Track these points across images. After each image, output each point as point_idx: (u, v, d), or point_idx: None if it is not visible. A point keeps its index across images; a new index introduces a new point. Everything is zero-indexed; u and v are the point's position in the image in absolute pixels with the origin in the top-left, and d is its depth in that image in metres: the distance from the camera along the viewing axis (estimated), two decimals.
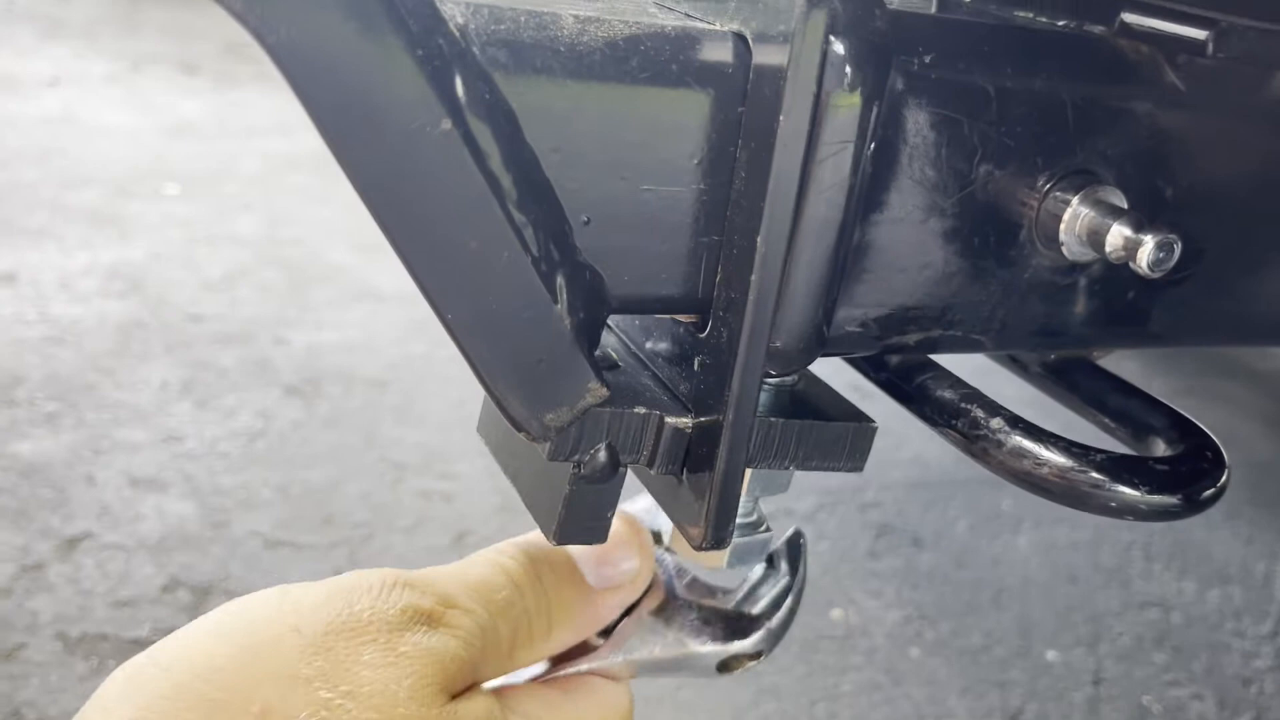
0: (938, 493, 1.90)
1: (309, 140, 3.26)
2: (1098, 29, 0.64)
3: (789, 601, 0.75)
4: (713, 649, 0.73)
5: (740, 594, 0.77)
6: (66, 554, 1.41)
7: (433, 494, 1.66)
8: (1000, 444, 0.61)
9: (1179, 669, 1.57)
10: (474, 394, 1.79)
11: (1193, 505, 0.58)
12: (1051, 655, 1.55)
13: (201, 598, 1.37)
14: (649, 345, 0.69)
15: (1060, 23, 0.66)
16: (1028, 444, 0.60)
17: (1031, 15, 0.67)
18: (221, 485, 1.60)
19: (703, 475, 0.62)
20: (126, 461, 1.62)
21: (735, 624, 0.73)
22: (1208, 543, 1.88)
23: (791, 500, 1.77)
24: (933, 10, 0.77)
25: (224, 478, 1.62)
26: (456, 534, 1.58)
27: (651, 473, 0.64)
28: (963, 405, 0.64)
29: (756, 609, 0.74)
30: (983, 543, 1.80)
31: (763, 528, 0.75)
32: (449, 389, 1.95)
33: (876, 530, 1.77)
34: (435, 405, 1.90)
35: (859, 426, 0.68)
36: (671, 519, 0.65)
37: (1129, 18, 0.63)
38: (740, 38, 0.56)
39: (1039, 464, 0.59)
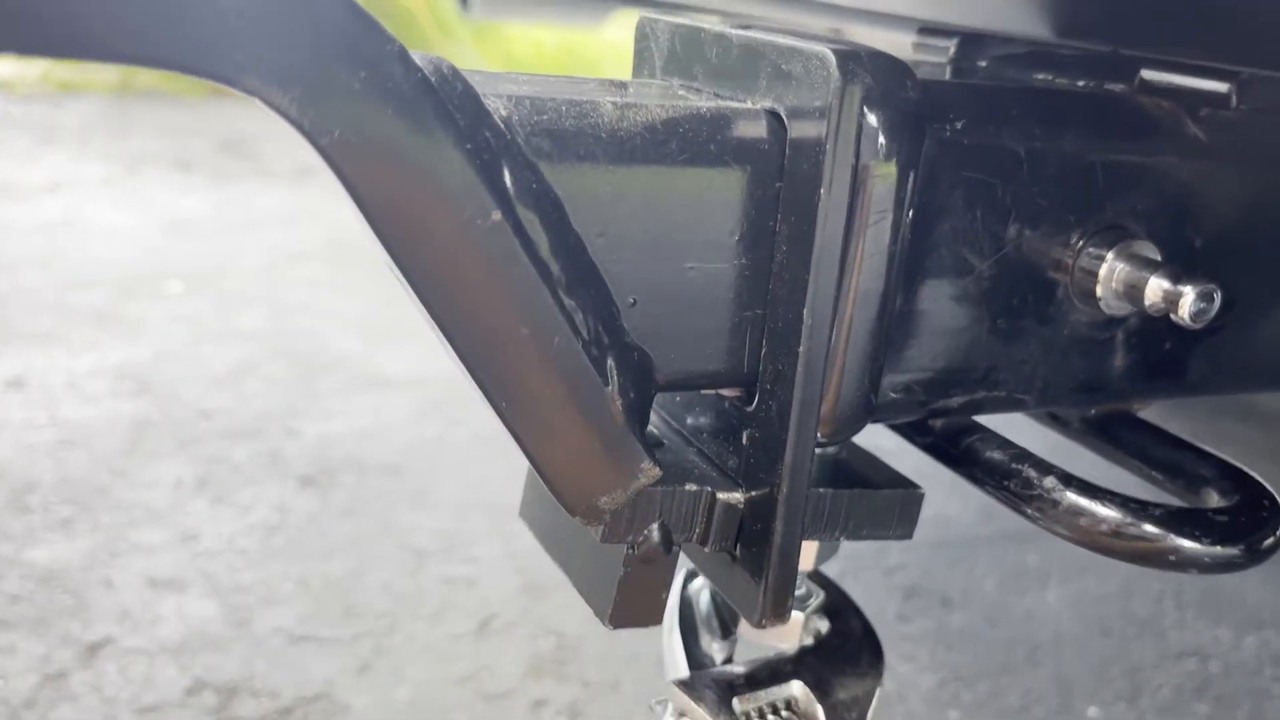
0: (962, 551, 1.88)
1: (308, 232, 3.30)
2: (1118, 87, 0.65)
3: None
4: None
5: None
6: (88, 660, 1.39)
7: (455, 580, 1.65)
8: (1056, 503, 0.60)
9: (1223, 719, 1.54)
10: (489, 475, 1.78)
11: (1256, 555, 0.58)
12: (1093, 712, 1.53)
13: (228, 698, 1.35)
14: (690, 421, 0.69)
15: (1080, 83, 0.67)
16: (1084, 502, 0.60)
17: (1051, 77, 0.68)
18: (241, 582, 1.58)
19: (757, 550, 0.61)
20: (144, 563, 1.60)
21: None
22: (1239, 589, 1.86)
23: None
24: (947, 76, 0.78)
25: (243, 574, 1.60)
26: (481, 620, 1.56)
27: (705, 550, 0.64)
28: (1013, 466, 0.63)
29: None
30: (1012, 599, 1.78)
31: (814, 598, 0.74)
32: (464, 472, 1.94)
33: (904, 592, 1.75)
34: (451, 489, 1.89)
35: (907, 493, 0.68)
36: (727, 597, 0.64)
37: (1149, 75, 0.64)
38: (774, 114, 0.57)
39: (1097, 521, 0.59)
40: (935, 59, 0.79)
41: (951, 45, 0.76)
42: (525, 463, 0.56)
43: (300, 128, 0.44)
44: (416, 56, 0.48)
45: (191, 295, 2.68)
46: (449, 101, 0.48)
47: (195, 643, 1.44)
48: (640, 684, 1.47)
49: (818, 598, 0.73)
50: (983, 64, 0.74)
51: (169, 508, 1.75)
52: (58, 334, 2.36)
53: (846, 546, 1.82)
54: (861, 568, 1.79)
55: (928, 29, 0.79)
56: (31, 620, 1.46)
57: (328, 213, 3.47)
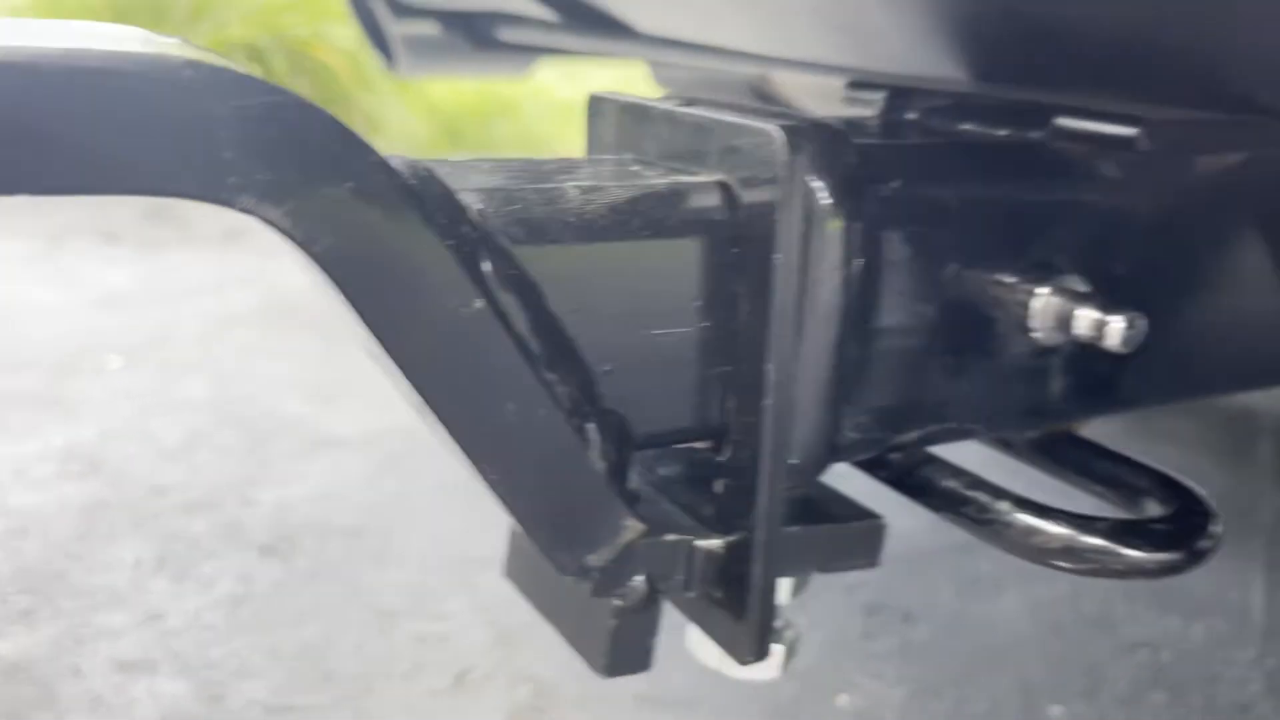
0: (918, 564, 1.93)
1: (242, 297, 3.29)
2: (1035, 134, 0.70)
3: None
4: None
5: None
6: None
7: (427, 636, 1.66)
8: (1009, 524, 0.65)
9: (1179, 706, 1.61)
10: (451, 528, 1.80)
11: (1194, 558, 0.63)
12: (1056, 711, 1.58)
13: None
14: (662, 471, 0.72)
15: (1001, 132, 0.72)
16: (1035, 522, 0.64)
17: (974, 126, 0.74)
18: (212, 658, 1.58)
19: (737, 591, 0.65)
20: (111, 647, 1.59)
21: None
22: (1183, 578, 1.93)
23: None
24: (878, 127, 0.84)
25: (213, 649, 1.59)
26: (456, 674, 1.57)
27: (688, 596, 0.67)
28: (968, 493, 0.68)
29: None
30: (971, 607, 1.83)
31: (790, 629, 0.77)
32: (425, 527, 1.95)
33: (866, 610, 1.80)
34: (415, 545, 1.90)
35: (871, 524, 0.72)
36: (713, 639, 0.68)
37: (1062, 122, 0.69)
38: (725, 186, 0.61)
39: (1049, 539, 0.64)
40: (866, 111, 0.84)
41: (880, 98, 0.81)
42: (489, 511, 0.59)
43: (293, 238, 0.48)
44: (395, 161, 0.51)
45: (131, 369, 2.66)
46: (428, 202, 0.51)
47: None
48: (618, 717, 1.49)
49: (794, 629, 0.77)
50: (911, 116, 0.79)
51: (130, 588, 1.74)
52: None
53: None
54: (824, 588, 1.83)
55: (857, 83, 0.84)
56: (2, 717, 1.44)
57: (260, 277, 3.45)
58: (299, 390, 2.55)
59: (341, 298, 0.50)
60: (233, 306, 3.15)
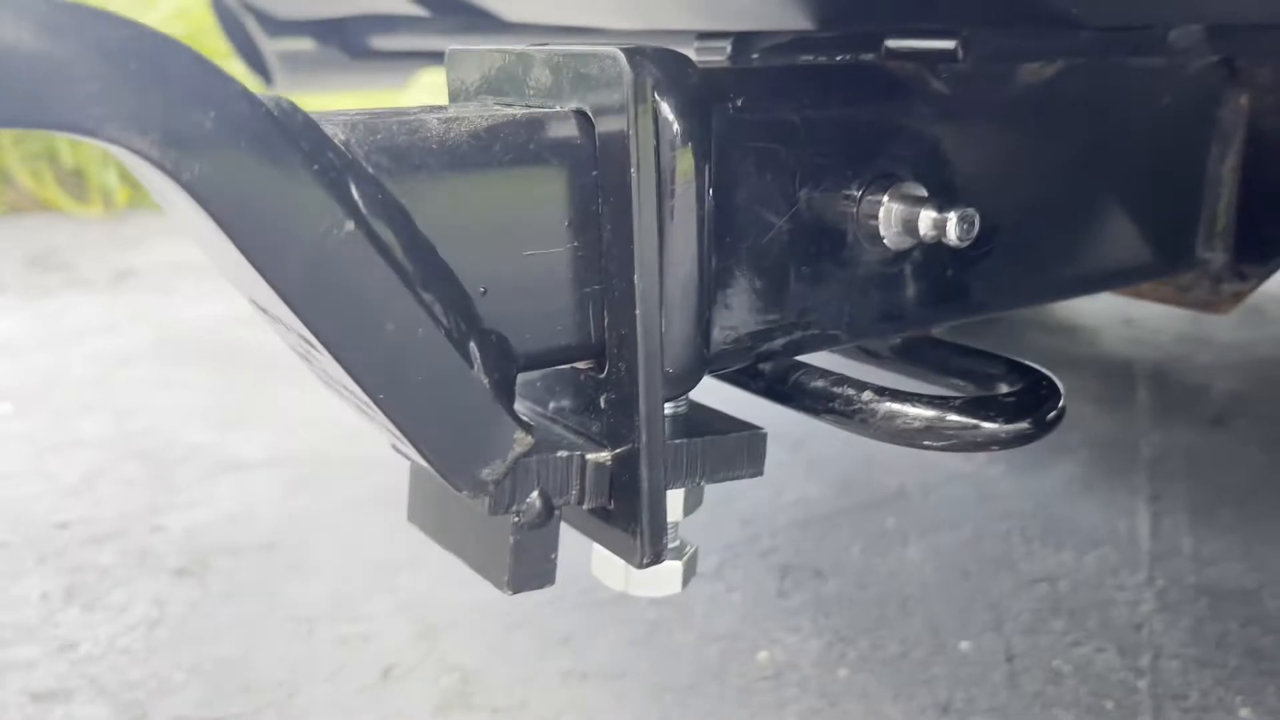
0: (826, 525, 2.00)
1: (134, 335, 3.23)
2: (869, 56, 0.76)
3: None
4: None
5: None
6: None
7: (349, 638, 1.66)
8: (874, 412, 0.70)
9: (1077, 630, 1.69)
10: (365, 536, 1.83)
11: (1042, 427, 0.68)
12: (964, 645, 1.65)
13: None
14: (553, 404, 0.76)
15: (838, 58, 0.77)
16: (896, 406, 0.69)
17: (813, 58, 0.79)
18: (130, 679, 1.55)
19: (629, 501, 0.68)
20: (23, 679, 1.56)
21: None
22: (1074, 515, 2.03)
23: None
24: (726, 64, 0.88)
25: (130, 672, 1.57)
26: (382, 670, 1.58)
27: (583, 509, 0.71)
28: (834, 389, 0.73)
29: None
30: (877, 561, 1.90)
31: (688, 547, 0.81)
32: (339, 537, 1.95)
33: (780, 572, 1.85)
34: (329, 555, 1.90)
35: (752, 434, 0.76)
36: (610, 550, 0.71)
37: (892, 43, 0.75)
38: (581, 113, 0.65)
39: (910, 420, 0.69)
40: (714, 58, 0.89)
41: (727, 45, 0.86)
42: (399, 513, 0.61)
43: (163, 168, 0.50)
44: (259, 97, 0.54)
45: (24, 414, 2.59)
46: (293, 131, 0.54)
47: None
48: (547, 696, 1.51)
49: (692, 548, 0.81)
50: (754, 56, 0.84)
51: (39, 621, 1.70)
52: None
53: (719, 538, 1.91)
54: (737, 555, 1.88)
55: (705, 35, 0.88)
56: None
57: (151, 315, 3.40)
58: (199, 420, 2.52)
59: (217, 230, 0.53)
60: (125, 345, 3.09)
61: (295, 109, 0.55)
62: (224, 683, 1.55)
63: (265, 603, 1.76)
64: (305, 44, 2.14)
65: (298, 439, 2.35)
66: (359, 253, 0.55)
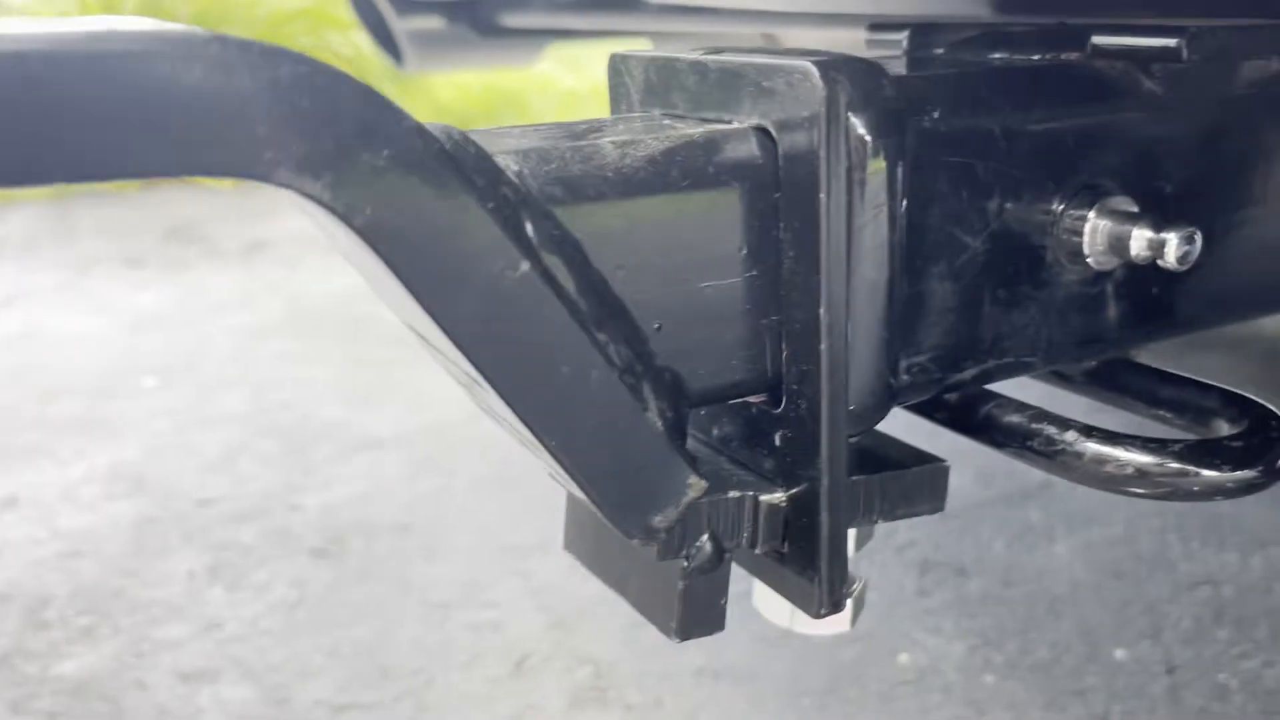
0: (967, 519, 1.92)
1: (269, 308, 3.30)
2: (1073, 55, 0.69)
3: None
4: None
5: None
6: None
7: (481, 626, 1.66)
8: (1080, 454, 0.63)
9: (1244, 641, 1.58)
10: (494, 519, 1.81)
11: (1273, 474, 0.61)
12: (1120, 654, 1.56)
13: None
14: (716, 431, 0.71)
15: (1035, 57, 0.70)
16: (1106, 449, 0.63)
17: (1007, 55, 0.72)
18: (273, 661, 1.58)
19: (806, 545, 0.64)
20: (172, 659, 1.60)
21: None
22: (1236, 513, 1.91)
23: None
24: (903, 64, 0.82)
25: (273, 653, 1.60)
26: (515, 661, 1.57)
27: (755, 553, 0.66)
28: (1033, 426, 0.66)
29: None
30: (1023, 558, 1.81)
31: (857, 582, 0.76)
32: (469, 520, 1.96)
33: (919, 568, 1.79)
34: (461, 538, 1.90)
35: (934, 468, 0.71)
36: (783, 595, 0.67)
37: (1099, 40, 0.67)
38: (763, 130, 0.60)
39: (1122, 466, 0.62)
40: (890, 52, 0.82)
41: (903, 38, 0.79)
42: (530, 500, 0.57)
43: (334, 211, 0.47)
44: (430, 127, 0.50)
45: (167, 388, 2.67)
46: (466, 165, 0.50)
47: None
48: (681, 696, 1.49)
49: (860, 582, 0.76)
50: (938, 51, 0.77)
51: (187, 600, 1.75)
52: (43, 446, 2.34)
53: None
54: (873, 549, 1.82)
55: (878, 24, 0.82)
56: None
57: (285, 287, 3.47)
58: (332, 396, 2.55)
59: (386, 271, 0.49)
60: (260, 319, 3.16)
61: (467, 140, 0.52)
62: (362, 667, 1.57)
63: (399, 586, 1.77)
64: (435, 22, 2.13)
65: (423, 417, 2.36)
66: (533, 293, 0.52)
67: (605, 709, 1.47)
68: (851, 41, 1.01)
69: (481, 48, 2.18)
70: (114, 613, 1.72)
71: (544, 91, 6.23)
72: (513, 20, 2.01)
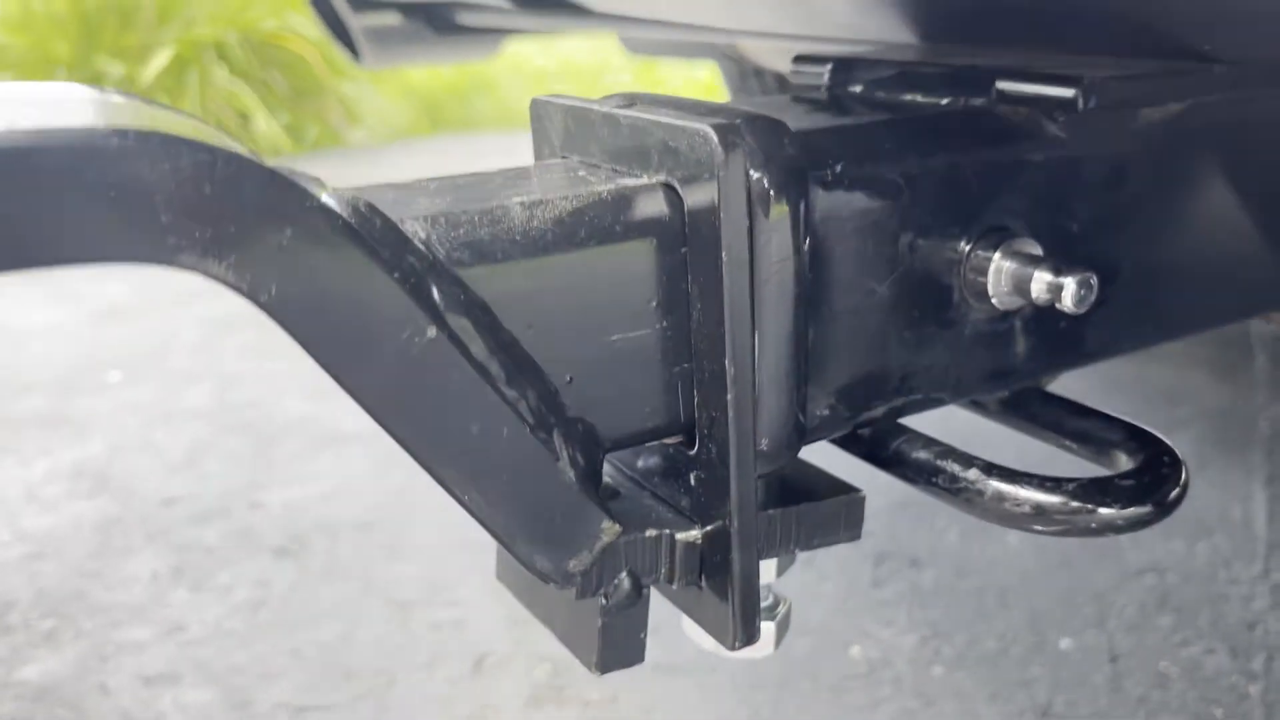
0: (921, 509, 1.95)
1: (234, 301, 3.27)
2: (978, 101, 0.71)
3: None
4: None
5: None
6: None
7: (443, 624, 1.68)
8: (981, 492, 0.66)
9: (1186, 628, 1.63)
10: (458, 518, 1.82)
11: (1163, 510, 0.64)
12: (1065, 644, 1.61)
13: None
14: (640, 464, 0.74)
15: (944, 100, 0.72)
16: (1005, 487, 0.65)
17: (918, 96, 0.74)
18: (236, 663, 1.60)
19: (720, 579, 0.66)
20: (135, 662, 1.62)
21: None
22: (1186, 499, 1.95)
23: None
24: (824, 94, 0.84)
25: (236, 655, 1.62)
26: (475, 660, 1.60)
27: (672, 587, 0.69)
28: (939, 463, 0.69)
29: None
30: (975, 548, 1.85)
31: (781, 605, 0.79)
32: (434, 516, 1.98)
33: (874, 559, 1.82)
34: (424, 536, 1.93)
35: (849, 499, 0.73)
36: (701, 625, 0.69)
37: (1004, 85, 0.70)
38: (669, 187, 0.62)
39: (1018, 504, 0.65)
40: (812, 83, 0.84)
41: (825, 71, 0.81)
42: None
43: (240, 290, 0.48)
44: (334, 199, 0.52)
45: (133, 383, 2.68)
46: (370, 237, 0.52)
47: None
48: (637, 692, 1.52)
49: (785, 605, 0.78)
50: (855, 89, 0.79)
51: (150, 602, 1.76)
52: (5, 443, 2.35)
53: None
54: None
55: (802, 57, 0.84)
56: None
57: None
58: (297, 391, 2.56)
59: (297, 342, 0.51)
60: (230, 311, 3.16)
61: (374, 210, 0.53)
62: (325, 669, 1.59)
63: (362, 585, 1.79)
64: (391, 19, 2.13)
65: None
66: (442, 357, 0.54)
67: (563, 707, 1.50)
68: (790, 48, 1.02)
69: (439, 44, 2.18)
70: (77, 615, 1.74)
71: (516, 72, 6.21)
72: (468, 19, 2.01)
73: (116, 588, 1.81)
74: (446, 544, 1.89)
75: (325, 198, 0.51)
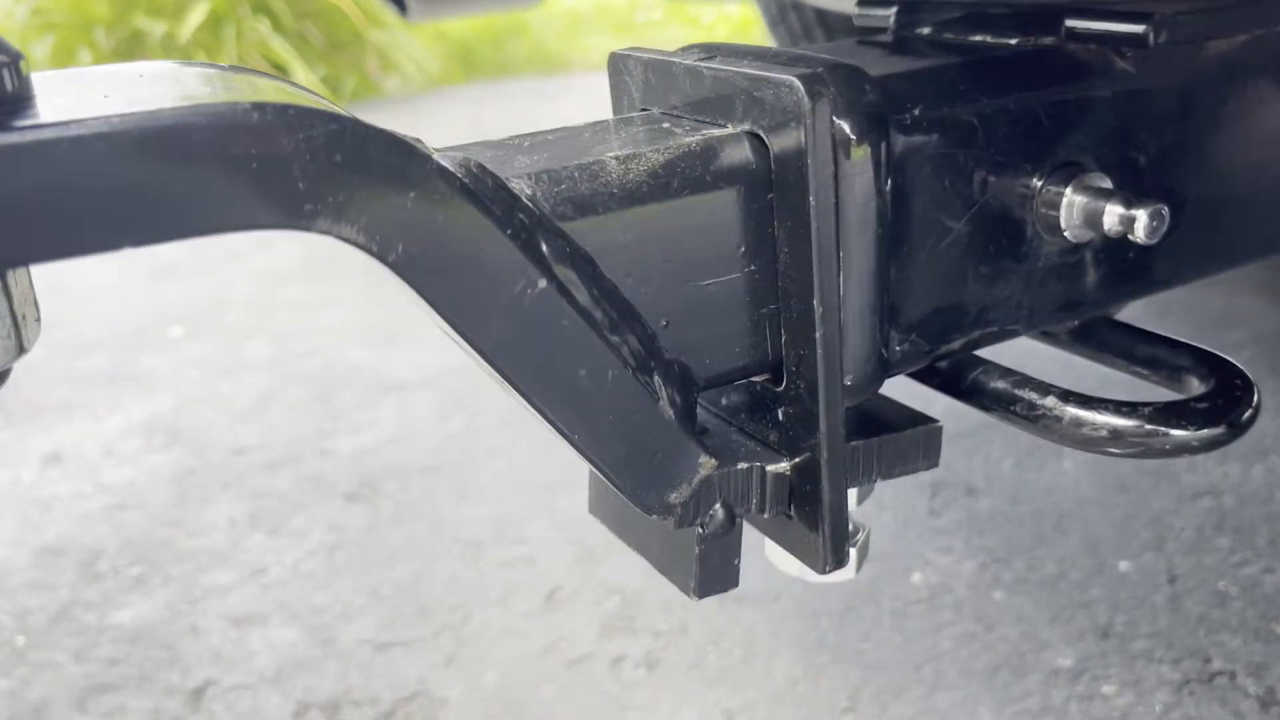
0: (977, 439, 1.98)
1: (286, 253, 3.35)
2: (1048, 40, 0.72)
3: None
4: None
5: None
6: (196, 704, 1.49)
7: (514, 562, 1.74)
8: (1059, 418, 0.69)
9: (1244, 548, 1.65)
10: (521, 458, 1.89)
11: (1237, 430, 0.67)
12: (1124, 566, 1.64)
13: (333, 713, 1.45)
14: (725, 401, 0.77)
15: (1013, 40, 0.74)
16: (1083, 413, 0.68)
17: (987, 37, 0.75)
18: (316, 604, 1.67)
19: (810, 509, 0.70)
20: (222, 604, 1.69)
21: None
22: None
23: None
24: (891, 37, 0.85)
25: (316, 596, 1.69)
26: (546, 594, 1.66)
27: (764, 516, 0.72)
28: (1016, 392, 0.72)
29: None
30: (1031, 475, 1.88)
31: (860, 531, 0.83)
32: (497, 459, 2.03)
33: (930, 489, 1.86)
34: (489, 478, 1.98)
35: (928, 429, 0.76)
36: (791, 553, 0.73)
37: (1073, 24, 0.71)
38: (755, 136, 0.64)
39: (1097, 428, 0.67)
40: (878, 25, 0.86)
41: (891, 14, 0.83)
42: (554, 437, 0.63)
43: (370, 251, 0.52)
44: (448, 160, 0.55)
45: (194, 338, 2.74)
46: (484, 196, 0.55)
47: (289, 669, 1.54)
48: (705, 623, 1.57)
49: (864, 531, 0.82)
50: (923, 31, 0.80)
51: (231, 547, 1.84)
52: (78, 402, 2.43)
53: None
54: None
55: (866, 1, 0.85)
56: (133, 678, 1.55)
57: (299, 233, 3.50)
58: (355, 340, 2.62)
59: (417, 298, 0.55)
60: (283, 264, 3.22)
61: (484, 172, 0.57)
62: (401, 606, 1.65)
63: (433, 526, 1.86)
64: None
65: (444, 357, 2.43)
66: (551, 307, 0.57)
67: (634, 636, 1.56)
68: None
69: None
70: (163, 562, 1.81)
71: (547, 15, 6.18)
72: None
73: (198, 534, 1.89)
74: (511, 485, 1.95)
75: (439, 159, 0.54)
